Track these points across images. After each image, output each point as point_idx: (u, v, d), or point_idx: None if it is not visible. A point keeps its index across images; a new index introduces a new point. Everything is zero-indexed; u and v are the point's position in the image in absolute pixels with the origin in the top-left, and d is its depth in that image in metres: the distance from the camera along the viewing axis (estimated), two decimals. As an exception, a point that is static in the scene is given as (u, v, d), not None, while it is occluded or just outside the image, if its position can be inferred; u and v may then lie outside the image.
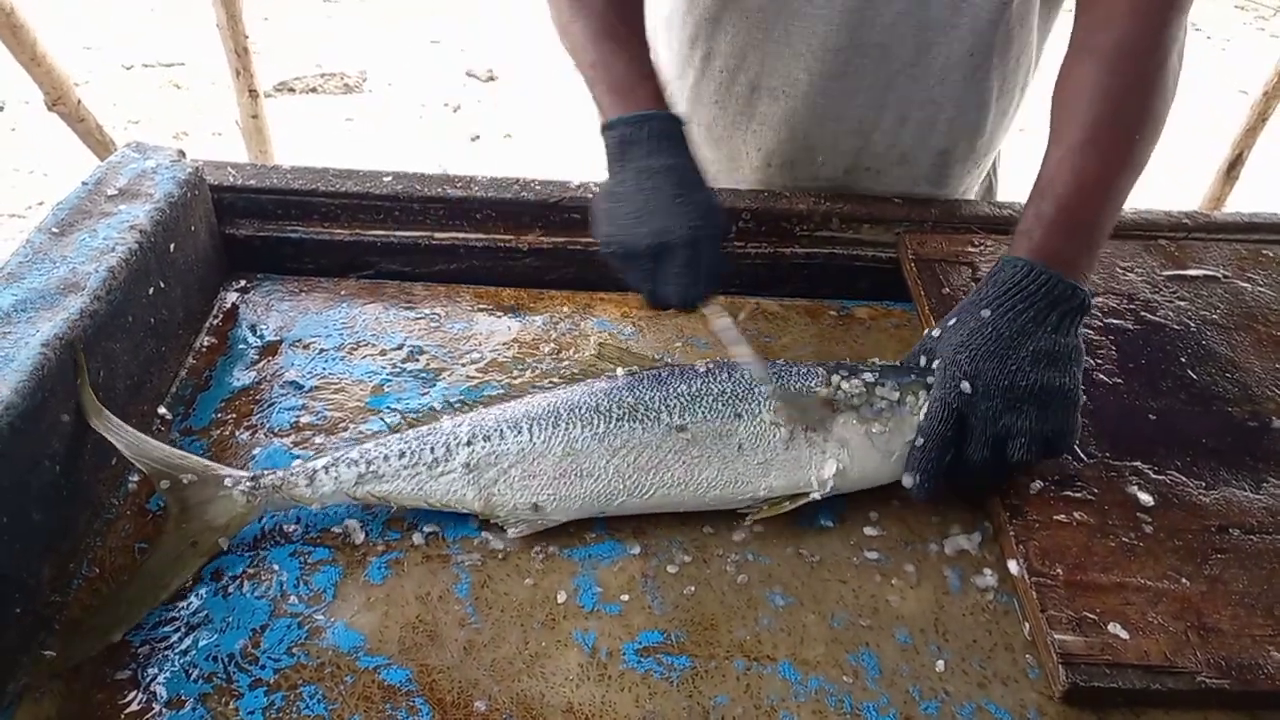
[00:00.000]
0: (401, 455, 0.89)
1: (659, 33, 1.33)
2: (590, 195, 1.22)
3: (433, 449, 0.89)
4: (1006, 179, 1.49)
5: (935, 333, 0.95)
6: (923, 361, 0.95)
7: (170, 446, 0.88)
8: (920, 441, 0.88)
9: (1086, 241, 0.94)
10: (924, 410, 0.90)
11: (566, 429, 0.90)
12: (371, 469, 0.88)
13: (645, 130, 0.96)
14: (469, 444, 0.89)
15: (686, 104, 1.34)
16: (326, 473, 0.87)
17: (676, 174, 0.95)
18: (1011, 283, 0.91)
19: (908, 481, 0.89)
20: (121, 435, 0.84)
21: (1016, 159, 1.57)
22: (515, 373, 1.06)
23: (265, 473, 0.88)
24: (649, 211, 0.93)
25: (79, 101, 2.49)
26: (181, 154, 1.11)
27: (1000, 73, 1.23)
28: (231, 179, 1.19)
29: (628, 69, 1.00)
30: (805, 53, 1.19)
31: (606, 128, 0.98)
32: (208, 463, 0.87)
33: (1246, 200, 2.99)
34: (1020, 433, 0.86)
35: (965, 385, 0.87)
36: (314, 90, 4.84)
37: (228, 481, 0.86)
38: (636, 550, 0.89)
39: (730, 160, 1.34)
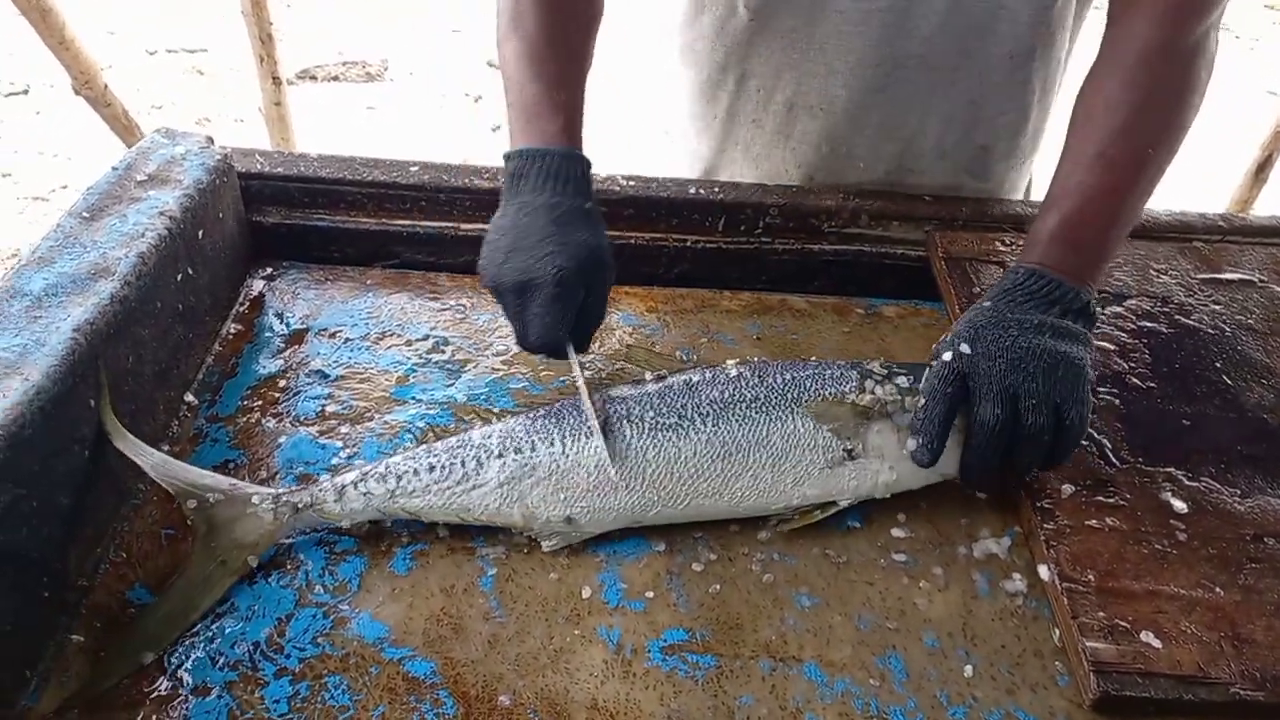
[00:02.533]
0: (431, 469, 0.87)
1: (681, 58, 1.32)
2: (615, 188, 1.22)
3: (464, 462, 0.88)
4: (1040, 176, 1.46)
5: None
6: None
7: (195, 467, 0.87)
8: (921, 401, 0.87)
9: (1093, 255, 0.93)
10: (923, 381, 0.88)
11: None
12: (402, 484, 0.86)
13: (537, 164, 0.94)
14: (500, 456, 0.88)
15: (720, 125, 1.32)
16: (355, 489, 0.86)
17: (557, 212, 0.92)
18: (1013, 284, 0.91)
19: (910, 445, 0.87)
20: (146, 457, 0.84)
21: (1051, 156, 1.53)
22: (540, 365, 1.06)
23: (293, 490, 0.86)
24: (519, 248, 0.90)
25: (105, 86, 2.49)
26: (210, 140, 1.10)
27: (1042, 73, 1.21)
28: (259, 166, 1.18)
29: (540, 99, 0.97)
30: (843, 69, 1.18)
31: (506, 157, 0.97)
32: (234, 481, 0.86)
33: (1275, 203, 2.95)
34: (1029, 394, 0.83)
35: (965, 346, 0.86)
36: (336, 78, 4.84)
37: (255, 499, 0.84)
38: (661, 547, 0.88)
39: (770, 178, 1.32)
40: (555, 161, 0.94)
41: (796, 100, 1.24)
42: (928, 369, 0.88)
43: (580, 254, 0.90)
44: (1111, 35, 0.99)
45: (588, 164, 0.97)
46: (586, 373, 0.94)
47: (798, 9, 1.16)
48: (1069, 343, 0.87)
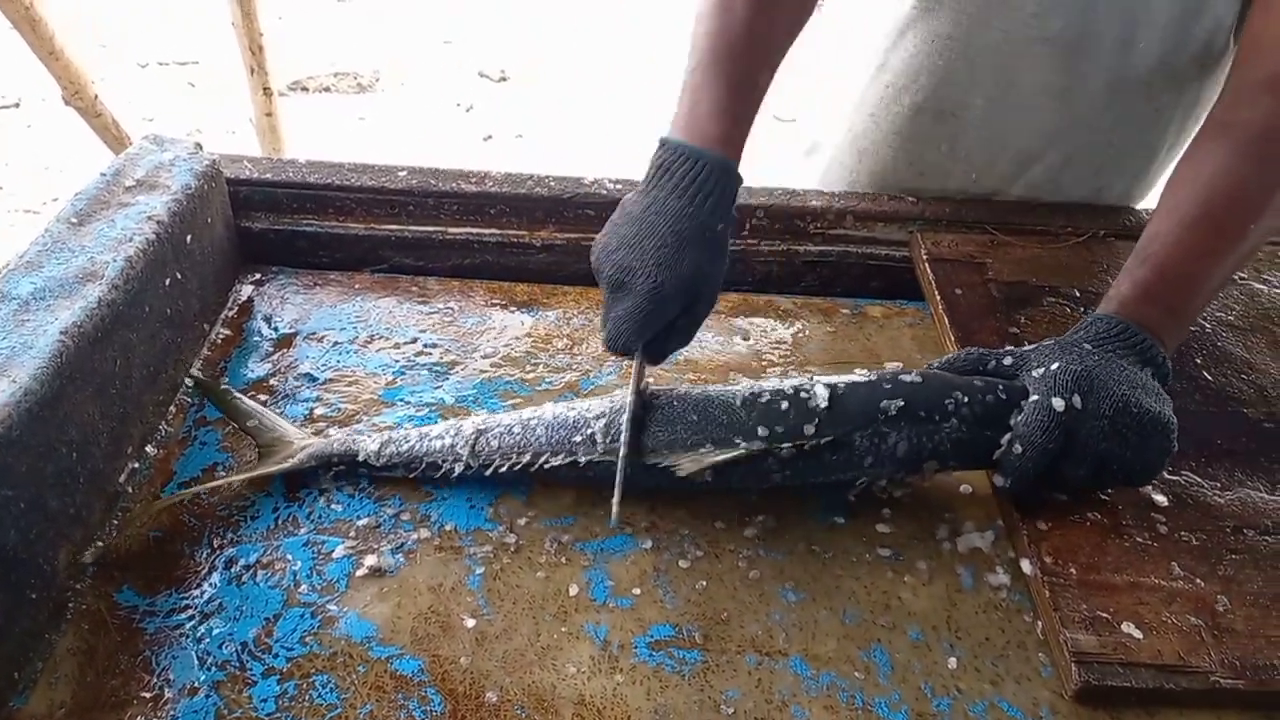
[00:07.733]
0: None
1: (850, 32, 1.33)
2: (603, 191, 1.22)
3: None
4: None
5: (1028, 347, 0.91)
6: (1008, 361, 0.91)
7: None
8: (1019, 449, 0.84)
9: (1178, 318, 0.92)
10: (1023, 418, 0.85)
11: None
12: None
13: (686, 164, 0.89)
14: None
15: (852, 107, 1.32)
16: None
17: (685, 224, 0.87)
18: (1109, 334, 0.89)
19: (998, 481, 0.88)
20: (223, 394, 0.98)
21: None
22: (528, 367, 1.07)
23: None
24: (630, 244, 0.87)
25: (95, 96, 2.50)
26: (199, 146, 1.11)
27: (1179, 126, 1.23)
28: (247, 172, 1.19)
29: (717, 99, 0.91)
30: (987, 84, 1.19)
31: (661, 142, 0.92)
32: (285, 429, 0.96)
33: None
34: (1117, 460, 0.83)
35: (1077, 399, 0.83)
36: (327, 89, 4.86)
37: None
38: (648, 544, 0.89)
39: (870, 175, 1.32)
40: (705, 169, 0.89)
41: (926, 104, 1.23)
42: (1032, 405, 0.85)
43: (685, 276, 0.87)
44: (1231, 101, 0.96)
45: (738, 181, 0.92)
46: (647, 380, 0.93)
47: (961, 16, 1.15)
48: (1166, 407, 0.85)
